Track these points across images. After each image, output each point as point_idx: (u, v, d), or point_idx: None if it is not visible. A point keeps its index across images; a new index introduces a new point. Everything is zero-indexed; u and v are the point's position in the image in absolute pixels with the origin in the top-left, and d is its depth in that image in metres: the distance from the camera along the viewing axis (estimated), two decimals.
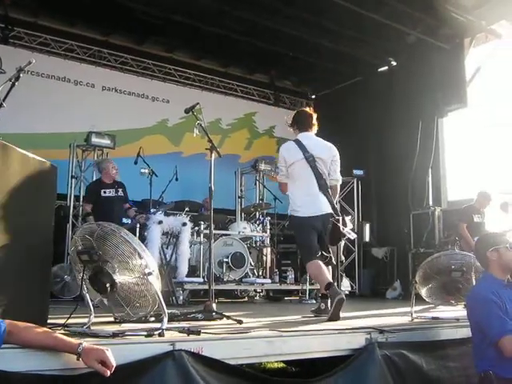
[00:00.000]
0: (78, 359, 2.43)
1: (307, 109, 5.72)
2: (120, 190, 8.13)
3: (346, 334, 3.68)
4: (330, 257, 5.46)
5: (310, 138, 5.40)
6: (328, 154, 5.34)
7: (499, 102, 10.17)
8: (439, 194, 11.02)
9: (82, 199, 9.11)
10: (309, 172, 5.22)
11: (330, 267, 5.45)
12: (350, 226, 5.23)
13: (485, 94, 10.58)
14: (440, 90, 10.81)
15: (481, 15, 10.05)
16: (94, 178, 9.16)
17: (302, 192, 5.30)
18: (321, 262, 5.18)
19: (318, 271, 5.16)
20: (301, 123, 5.50)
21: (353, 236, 5.38)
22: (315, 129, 5.52)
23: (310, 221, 5.22)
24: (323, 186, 5.22)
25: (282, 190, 5.57)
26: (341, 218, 5.15)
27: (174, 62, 12.52)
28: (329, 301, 5.00)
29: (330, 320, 4.61)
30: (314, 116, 5.52)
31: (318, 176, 5.22)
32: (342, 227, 5.12)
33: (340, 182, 5.49)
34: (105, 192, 8.00)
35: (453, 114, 11.15)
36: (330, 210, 5.21)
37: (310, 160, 5.21)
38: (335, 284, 5.22)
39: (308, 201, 5.25)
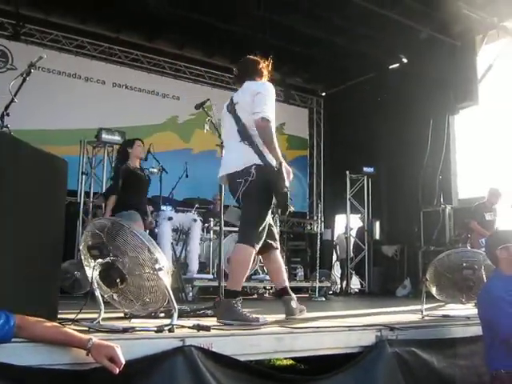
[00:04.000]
0: (87, 354, 2.43)
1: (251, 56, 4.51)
2: None
3: (356, 331, 3.66)
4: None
5: (244, 84, 4.30)
6: (246, 94, 4.18)
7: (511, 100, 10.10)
8: (450, 191, 10.98)
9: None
10: (231, 123, 4.20)
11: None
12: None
13: (496, 92, 10.52)
14: (451, 88, 10.75)
15: (493, 12, 9.98)
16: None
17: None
18: (275, 253, 4.30)
19: (272, 268, 4.45)
20: (242, 73, 4.44)
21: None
22: (264, 77, 4.39)
23: (224, 184, 4.40)
24: (243, 134, 4.07)
25: None
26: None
27: (184, 59, 12.53)
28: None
29: None
30: (260, 62, 4.40)
31: (238, 122, 4.13)
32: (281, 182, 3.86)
33: (263, 115, 3.97)
34: None
35: (464, 111, 11.09)
36: (244, 165, 4.02)
37: (230, 108, 4.22)
38: None
39: (223, 159, 4.38)
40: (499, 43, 10.60)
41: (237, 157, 4.07)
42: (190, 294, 7.38)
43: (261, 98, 4.06)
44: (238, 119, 4.11)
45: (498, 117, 10.51)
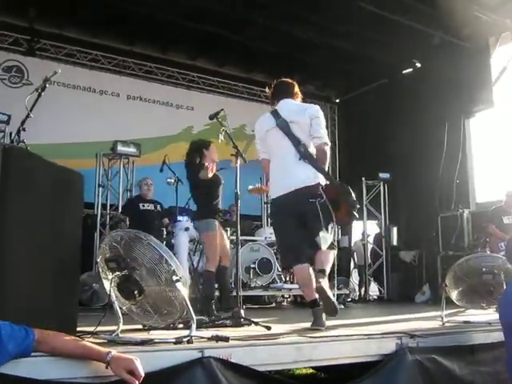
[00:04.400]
0: (106, 367, 2.43)
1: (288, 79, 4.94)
2: (158, 206, 8.35)
3: (376, 340, 3.63)
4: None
5: (287, 103, 4.64)
6: (304, 115, 4.47)
7: None
8: (467, 195, 10.88)
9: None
10: (284, 140, 4.42)
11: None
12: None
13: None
14: (466, 91, 10.67)
15: (505, 14, 9.91)
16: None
17: (276, 167, 4.53)
18: (310, 268, 4.31)
19: (307, 281, 4.31)
20: (279, 91, 4.78)
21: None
22: (298, 99, 4.76)
23: (284, 202, 4.39)
24: (303, 153, 4.36)
25: (265, 171, 4.71)
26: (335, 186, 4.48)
27: (197, 70, 12.59)
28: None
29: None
30: (296, 86, 4.83)
31: (296, 143, 4.39)
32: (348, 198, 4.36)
33: (325, 141, 4.48)
34: (143, 205, 8.22)
35: (480, 114, 11.01)
36: (313, 182, 4.34)
37: (283, 126, 4.44)
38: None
39: (281, 176, 4.45)
40: None
41: (304, 174, 4.34)
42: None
43: (319, 122, 4.47)
44: (295, 138, 4.39)
45: None
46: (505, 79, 10.52)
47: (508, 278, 4.45)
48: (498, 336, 3.79)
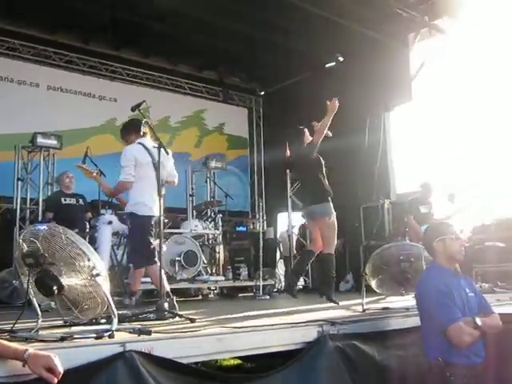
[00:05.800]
0: (23, 366, 2.36)
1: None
2: (80, 199, 8.21)
3: (299, 328, 3.71)
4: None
5: (150, 143, 5.50)
6: (170, 159, 5.62)
7: (443, 96, 10.40)
8: (388, 187, 11.19)
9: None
10: (153, 175, 5.27)
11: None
12: None
13: (430, 88, 10.80)
14: (386, 85, 10.93)
15: (424, 11, 10.26)
16: None
17: (145, 194, 5.46)
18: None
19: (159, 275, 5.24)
20: (138, 129, 5.52)
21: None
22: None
23: (151, 221, 5.51)
24: (160, 192, 5.23)
25: (121, 189, 5.77)
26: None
27: (120, 60, 12.32)
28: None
29: None
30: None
31: (159, 181, 5.23)
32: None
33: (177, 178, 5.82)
34: (65, 200, 8.08)
35: (399, 108, 11.33)
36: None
37: (156, 165, 5.25)
38: None
39: (151, 201, 5.45)
40: (431, 41, 10.85)
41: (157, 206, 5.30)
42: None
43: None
44: (159, 180, 5.17)
45: (432, 112, 10.78)
46: (423, 74, 10.88)
47: (427, 265, 4.61)
48: (415, 321, 3.95)
